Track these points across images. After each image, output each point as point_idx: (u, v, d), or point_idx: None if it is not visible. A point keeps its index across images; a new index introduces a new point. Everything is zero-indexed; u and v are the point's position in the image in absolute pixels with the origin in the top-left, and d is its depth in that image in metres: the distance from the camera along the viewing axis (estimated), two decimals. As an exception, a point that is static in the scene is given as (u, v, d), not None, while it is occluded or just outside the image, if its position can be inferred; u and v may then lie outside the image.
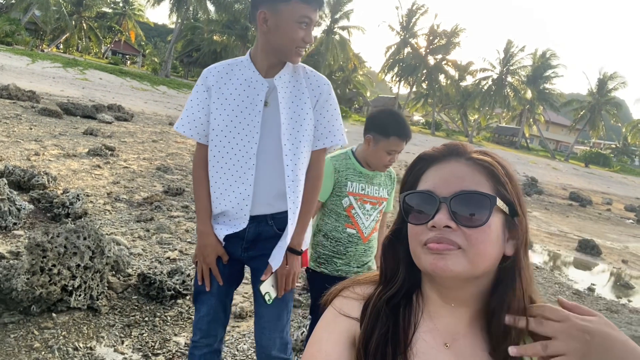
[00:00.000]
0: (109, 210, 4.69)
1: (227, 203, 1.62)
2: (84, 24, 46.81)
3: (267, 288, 1.63)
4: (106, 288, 2.91)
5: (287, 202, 1.61)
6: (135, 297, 2.99)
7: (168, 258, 3.76)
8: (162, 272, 3.19)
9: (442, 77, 49.72)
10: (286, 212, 1.62)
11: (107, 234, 3.80)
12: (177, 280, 3.14)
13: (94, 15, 47.44)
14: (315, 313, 2.16)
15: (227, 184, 1.62)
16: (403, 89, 53.94)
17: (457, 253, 0.75)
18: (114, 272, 3.13)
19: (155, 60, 48.84)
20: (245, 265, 1.79)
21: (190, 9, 39.54)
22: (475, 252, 0.74)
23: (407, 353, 0.81)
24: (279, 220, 1.65)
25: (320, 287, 2.14)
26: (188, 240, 4.27)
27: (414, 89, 52.37)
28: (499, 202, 0.76)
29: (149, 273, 3.11)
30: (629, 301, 5.71)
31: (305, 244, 1.72)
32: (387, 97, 63.85)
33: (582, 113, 51.86)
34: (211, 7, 39.79)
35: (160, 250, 3.90)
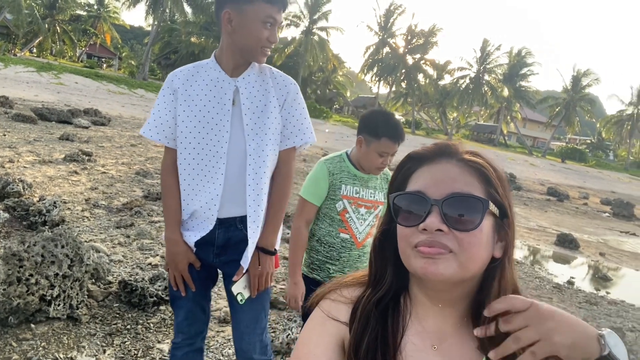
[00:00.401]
0: (87, 217, 4.60)
1: (197, 203, 1.61)
2: (58, 27, 45.85)
3: (239, 289, 1.63)
4: (86, 296, 2.84)
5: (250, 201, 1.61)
6: (117, 304, 2.94)
7: (150, 264, 3.70)
8: (143, 279, 3.14)
9: (420, 77, 50.17)
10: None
11: (85, 241, 3.73)
12: (160, 286, 3.09)
13: (67, 19, 46.51)
14: (307, 318, 2.14)
15: (197, 183, 1.60)
16: (383, 89, 54.30)
17: (448, 257, 0.74)
18: (93, 280, 3.07)
19: (132, 63, 48.12)
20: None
21: (167, 10, 39.11)
22: (467, 256, 0.74)
23: (396, 358, 0.80)
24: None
25: (312, 292, 2.12)
26: (170, 245, 4.22)
27: (394, 89, 52.74)
28: (491, 206, 0.76)
29: (130, 280, 3.06)
30: (607, 293, 5.85)
31: (278, 245, 1.72)
32: (367, 97, 64.14)
33: (557, 110, 52.96)
34: (188, 9, 39.43)
35: (141, 256, 3.84)
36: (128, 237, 4.21)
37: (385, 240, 0.86)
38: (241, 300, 1.63)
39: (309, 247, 2.11)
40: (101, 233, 4.21)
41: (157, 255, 3.91)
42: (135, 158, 8.25)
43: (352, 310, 0.85)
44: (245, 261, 1.61)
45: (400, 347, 0.81)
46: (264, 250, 1.64)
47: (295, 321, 3.01)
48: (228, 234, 1.64)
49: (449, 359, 0.80)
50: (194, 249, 1.66)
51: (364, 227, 2.08)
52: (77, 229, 4.17)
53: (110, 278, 3.20)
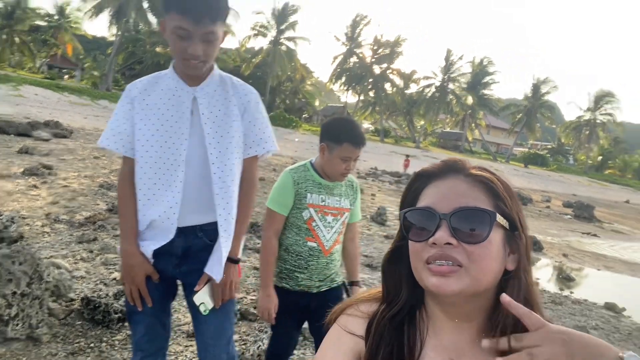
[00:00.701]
0: (47, 233, 4.43)
1: (154, 212, 1.56)
2: (17, 38, 44.33)
3: (202, 298, 1.58)
4: (47, 315, 2.72)
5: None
6: (80, 322, 2.82)
7: (114, 279, 3.58)
8: (107, 294, 3.03)
9: (388, 86, 50.98)
10: (216, 222, 1.59)
11: (46, 257, 3.58)
12: (125, 302, 2.99)
13: (27, 29, 45.01)
14: (276, 327, 2.10)
15: (155, 192, 1.57)
16: (351, 98, 54.83)
17: (459, 272, 0.75)
18: (54, 298, 2.94)
19: (95, 74, 46.88)
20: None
21: (131, 20, 38.44)
22: (477, 268, 0.75)
23: None
24: (209, 231, 1.61)
25: (282, 302, 2.02)
26: (136, 259, 4.10)
27: (362, 98, 53.37)
28: (499, 218, 0.77)
29: (94, 296, 2.95)
30: (571, 293, 6.03)
31: (241, 253, 1.69)
32: (336, 106, 64.65)
33: (519, 116, 54.74)
34: (153, 19, 38.85)
35: (105, 271, 3.71)
36: (91, 252, 4.06)
37: (397, 258, 0.87)
38: (204, 310, 1.58)
39: (277, 256, 2.08)
40: (62, 249, 4.05)
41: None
42: (98, 170, 8.02)
43: (368, 324, 0.86)
44: (219, 271, 1.57)
45: None
46: (229, 258, 1.61)
47: (266, 332, 2.97)
48: (188, 243, 1.60)
49: None
50: (152, 261, 1.60)
51: (331, 235, 2.08)
52: (36, 245, 4.00)
53: (72, 295, 3.07)
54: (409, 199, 0.87)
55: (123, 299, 3.02)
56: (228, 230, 1.58)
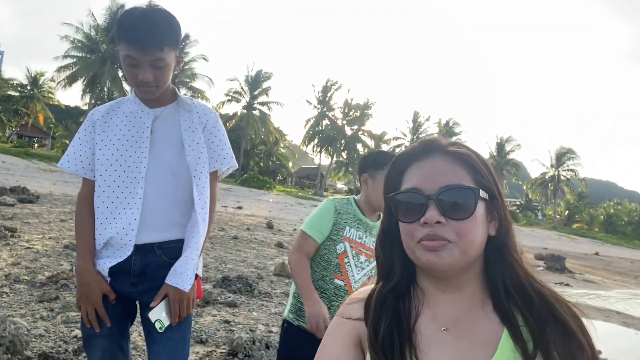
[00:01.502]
0: (6, 293, 4.21)
1: (112, 229, 1.55)
2: (-14, 107, 44.13)
3: (158, 315, 1.51)
4: (-2, 374, 2.55)
5: (181, 229, 1.59)
6: (34, 381, 2.64)
7: (75, 337, 3.39)
8: (67, 350, 2.88)
9: (359, 146, 52.28)
10: (177, 240, 1.59)
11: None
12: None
13: (-3, 99, 45.01)
14: None
15: (112, 209, 1.57)
16: (324, 159, 55.80)
17: (449, 246, 0.79)
18: (9, 355, 2.76)
19: (67, 142, 46.61)
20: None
21: (105, 89, 38.98)
22: (465, 242, 0.79)
23: (412, 338, 0.83)
24: (168, 250, 1.59)
25: (294, 343, 1.90)
26: (99, 316, 3.92)
27: (335, 159, 54.36)
28: (481, 192, 0.81)
29: (52, 352, 2.79)
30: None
31: (199, 270, 1.66)
32: (309, 167, 65.52)
33: (486, 174, 56.46)
34: (127, 87, 39.51)
35: (66, 329, 3.52)
36: (52, 310, 3.87)
37: (389, 237, 0.92)
38: (160, 328, 1.52)
39: (298, 292, 1.94)
40: (21, 308, 3.85)
41: (85, 327, 3.61)
42: (64, 232, 7.78)
43: (365, 303, 0.90)
44: (187, 283, 1.53)
45: (414, 329, 0.84)
46: None
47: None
48: (146, 260, 1.57)
49: (462, 337, 0.82)
50: (108, 279, 1.56)
51: (361, 276, 1.95)
52: (-7, 305, 3.79)
53: (28, 353, 2.89)
54: (392, 182, 0.91)
55: (84, 354, 2.86)
56: (197, 245, 1.57)
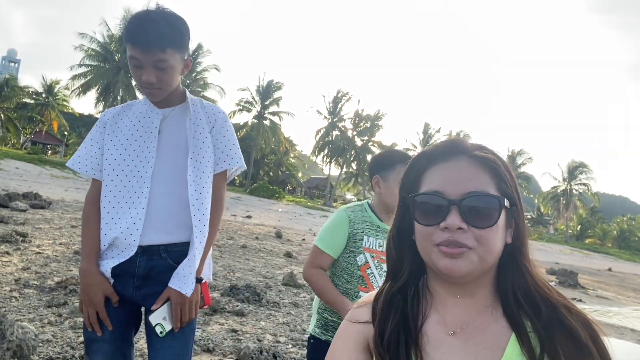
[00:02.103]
0: (15, 297, 4.22)
1: (117, 229, 1.53)
2: (2, 115, 44.86)
3: (159, 319, 1.47)
4: (4, 378, 2.54)
5: (188, 231, 1.55)
6: (40, 386, 2.63)
7: (82, 342, 3.38)
8: (74, 356, 2.86)
9: (369, 157, 52.21)
10: (184, 243, 1.56)
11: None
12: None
13: (13, 106, 45.75)
14: None
15: (118, 208, 1.55)
16: (334, 170, 55.83)
17: (468, 253, 0.77)
18: (16, 359, 2.76)
19: (80, 149, 47.11)
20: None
21: (118, 97, 39.48)
22: (485, 250, 0.77)
23: (419, 340, 0.81)
24: (174, 253, 1.56)
25: (323, 358, 1.87)
26: (107, 323, 3.91)
27: (344, 169, 54.33)
28: (505, 202, 0.79)
29: (59, 357, 2.78)
30: None
31: (205, 275, 1.63)
32: (319, 177, 65.57)
33: (497, 187, 55.97)
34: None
35: (73, 335, 3.52)
36: (60, 315, 3.87)
37: (400, 235, 0.89)
38: (161, 332, 1.48)
39: (322, 307, 1.87)
40: (29, 313, 3.85)
41: (92, 333, 3.60)
42: (74, 238, 7.83)
43: (373, 304, 0.89)
44: (189, 287, 1.50)
45: (421, 331, 0.83)
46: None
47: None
48: (151, 263, 1.54)
49: (469, 341, 0.80)
50: (111, 280, 1.53)
51: None
52: (2, 309, 3.80)
53: (35, 358, 2.89)
54: (410, 180, 0.88)
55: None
56: (199, 248, 1.54)
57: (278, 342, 4.08)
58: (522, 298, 0.79)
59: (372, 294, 0.94)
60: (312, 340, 1.89)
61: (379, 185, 1.89)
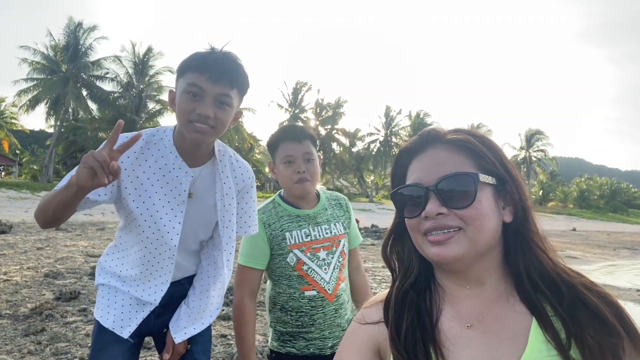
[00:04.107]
0: (-12, 330, 4.01)
1: (138, 292, 1.52)
2: (-54, 139, 42.44)
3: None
4: (-11, 418, 2.40)
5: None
6: (29, 420, 2.50)
7: (67, 369, 3.26)
8: (60, 384, 2.74)
9: (335, 145, 52.37)
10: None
11: (-14, 355, 3.22)
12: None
13: (-43, 129, 43.34)
14: None
15: (143, 269, 1.52)
16: (300, 162, 55.58)
17: (458, 236, 0.76)
18: (-2, 397, 2.62)
19: (35, 167, 45.27)
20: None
21: (70, 110, 37.96)
22: (474, 229, 0.75)
23: (435, 337, 0.79)
24: (191, 278, 1.62)
25: None
26: (89, 344, 3.77)
27: (311, 160, 54.21)
28: (482, 177, 0.77)
29: (44, 388, 2.65)
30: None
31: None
32: (286, 171, 65.26)
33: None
34: (93, 105, 38.55)
35: (56, 362, 3.38)
36: (39, 343, 3.71)
37: (402, 233, 0.88)
38: None
39: (274, 319, 1.74)
40: (6, 344, 3.67)
41: (76, 357, 3.46)
42: (42, 261, 7.51)
43: (385, 304, 0.86)
44: (189, 335, 1.53)
45: (437, 327, 0.81)
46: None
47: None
48: (171, 291, 1.55)
49: (489, 333, 0.77)
50: (131, 341, 1.50)
51: (331, 274, 1.69)
52: (-25, 345, 3.60)
53: (19, 391, 2.75)
54: (397, 178, 0.88)
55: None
56: (202, 306, 1.58)
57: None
58: (540, 281, 0.76)
59: (383, 293, 0.91)
60: (273, 355, 1.75)
61: (274, 171, 1.75)
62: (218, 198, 1.47)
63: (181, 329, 1.50)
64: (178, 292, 1.57)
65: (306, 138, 1.69)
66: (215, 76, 1.29)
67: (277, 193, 1.82)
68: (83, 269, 6.90)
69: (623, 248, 18.26)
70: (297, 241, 1.67)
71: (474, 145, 0.80)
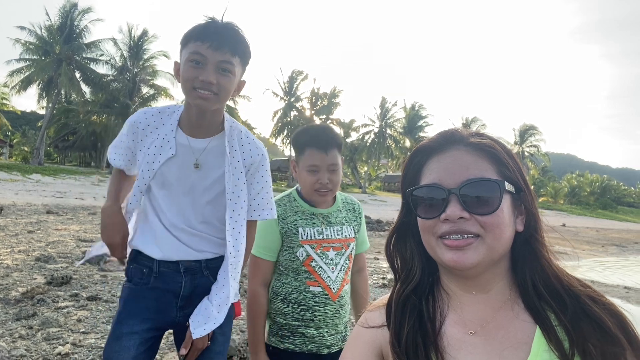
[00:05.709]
0: (-22, 314, 3.99)
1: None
2: None
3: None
4: (-20, 402, 2.40)
5: (221, 248, 1.56)
6: (20, 405, 2.50)
7: (59, 354, 3.24)
8: (52, 370, 2.73)
9: (329, 136, 52.22)
10: (219, 256, 1.57)
11: (-23, 339, 3.20)
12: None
13: (-53, 109, 42.69)
14: None
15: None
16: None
17: (476, 243, 0.74)
18: (-11, 381, 2.61)
19: (26, 149, 44.81)
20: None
21: (62, 92, 37.48)
22: (493, 237, 0.74)
23: (438, 342, 0.78)
24: (214, 269, 1.56)
25: None
26: (82, 330, 3.76)
27: (305, 150, 54.09)
28: (507, 185, 0.76)
29: (36, 374, 2.64)
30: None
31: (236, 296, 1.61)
32: (280, 159, 65.17)
33: (455, 155, 57.65)
34: (86, 88, 38.12)
35: (48, 347, 3.36)
36: (31, 328, 3.69)
37: (405, 233, 0.86)
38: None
39: (273, 310, 1.72)
40: (-3, 329, 3.65)
41: (67, 343, 3.45)
42: (33, 244, 7.46)
43: (387, 307, 0.85)
44: (199, 331, 1.48)
45: (440, 333, 0.80)
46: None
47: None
48: (194, 282, 1.54)
49: (492, 340, 0.77)
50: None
51: (338, 274, 1.70)
52: (-35, 328, 3.58)
53: (10, 376, 2.74)
54: (410, 176, 0.85)
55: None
56: (226, 293, 1.54)
57: (261, 330, 4.06)
58: (545, 291, 0.76)
59: (386, 296, 0.90)
60: (270, 349, 1.73)
61: (295, 170, 1.76)
62: (226, 170, 1.49)
63: (201, 325, 1.48)
64: (202, 284, 1.54)
65: (334, 147, 1.69)
66: (216, 44, 1.35)
67: (295, 187, 1.83)
68: (74, 254, 6.86)
69: (612, 245, 18.49)
70: (310, 237, 1.69)
71: (498, 152, 0.79)
